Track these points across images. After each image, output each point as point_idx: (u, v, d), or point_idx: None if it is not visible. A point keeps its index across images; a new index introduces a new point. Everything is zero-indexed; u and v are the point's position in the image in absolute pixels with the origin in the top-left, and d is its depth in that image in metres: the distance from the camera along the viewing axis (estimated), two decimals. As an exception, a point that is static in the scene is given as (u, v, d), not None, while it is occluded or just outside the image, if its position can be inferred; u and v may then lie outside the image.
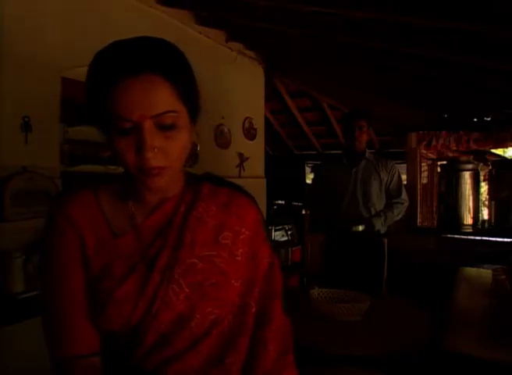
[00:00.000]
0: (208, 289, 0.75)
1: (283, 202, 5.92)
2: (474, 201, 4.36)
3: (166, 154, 0.69)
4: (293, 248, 4.48)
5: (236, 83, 3.69)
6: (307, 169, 6.81)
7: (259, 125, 4.08)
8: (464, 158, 4.51)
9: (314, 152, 6.61)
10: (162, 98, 0.67)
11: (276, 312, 0.83)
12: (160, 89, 0.67)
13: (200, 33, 3.24)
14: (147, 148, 0.66)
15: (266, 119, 4.60)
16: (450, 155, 4.83)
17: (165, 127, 0.68)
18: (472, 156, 4.54)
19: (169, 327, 0.74)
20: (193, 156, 0.77)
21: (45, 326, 0.76)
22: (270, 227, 4.26)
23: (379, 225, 2.79)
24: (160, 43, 0.71)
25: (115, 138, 0.68)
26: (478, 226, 4.31)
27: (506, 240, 3.77)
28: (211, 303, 0.75)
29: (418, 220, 4.71)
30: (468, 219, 4.34)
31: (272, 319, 0.82)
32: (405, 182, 3.91)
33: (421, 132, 4.64)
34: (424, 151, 4.79)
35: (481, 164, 4.51)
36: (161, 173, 0.69)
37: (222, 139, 3.54)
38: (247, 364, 0.79)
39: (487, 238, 3.88)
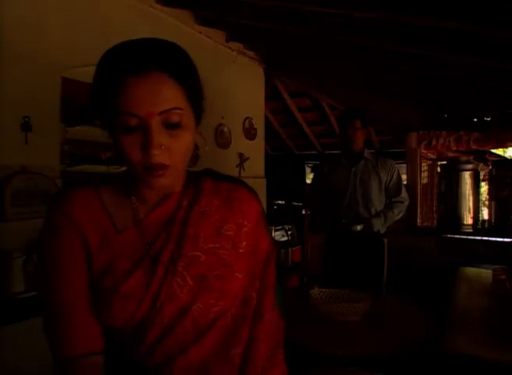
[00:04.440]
0: (211, 281, 0.76)
1: (283, 202, 5.92)
2: (474, 201, 4.36)
3: (171, 152, 0.70)
4: (293, 248, 4.48)
5: (236, 83, 3.69)
6: (307, 169, 6.81)
7: (259, 125, 4.08)
8: (464, 158, 4.51)
9: (314, 152, 6.62)
10: (170, 96, 0.68)
11: (268, 308, 0.83)
12: (167, 87, 0.68)
13: (200, 33, 3.24)
14: (153, 145, 0.67)
15: (266, 119, 4.60)
16: (450, 155, 4.83)
17: (172, 126, 0.69)
18: (472, 156, 4.54)
19: (173, 320, 0.74)
20: (194, 157, 0.77)
21: (46, 327, 0.75)
22: (270, 227, 4.26)
23: (379, 225, 2.78)
24: (167, 43, 0.73)
25: (120, 136, 0.69)
26: (478, 226, 4.31)
27: (506, 240, 3.77)
28: (214, 295, 0.76)
29: (418, 220, 4.70)
30: (468, 219, 4.34)
31: (262, 314, 0.82)
32: (405, 182, 3.91)
33: (421, 132, 4.64)
34: (425, 151, 4.79)
35: (481, 164, 4.51)
36: (164, 174, 0.70)
37: (222, 139, 3.54)
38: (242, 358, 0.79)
39: (487, 238, 3.88)
